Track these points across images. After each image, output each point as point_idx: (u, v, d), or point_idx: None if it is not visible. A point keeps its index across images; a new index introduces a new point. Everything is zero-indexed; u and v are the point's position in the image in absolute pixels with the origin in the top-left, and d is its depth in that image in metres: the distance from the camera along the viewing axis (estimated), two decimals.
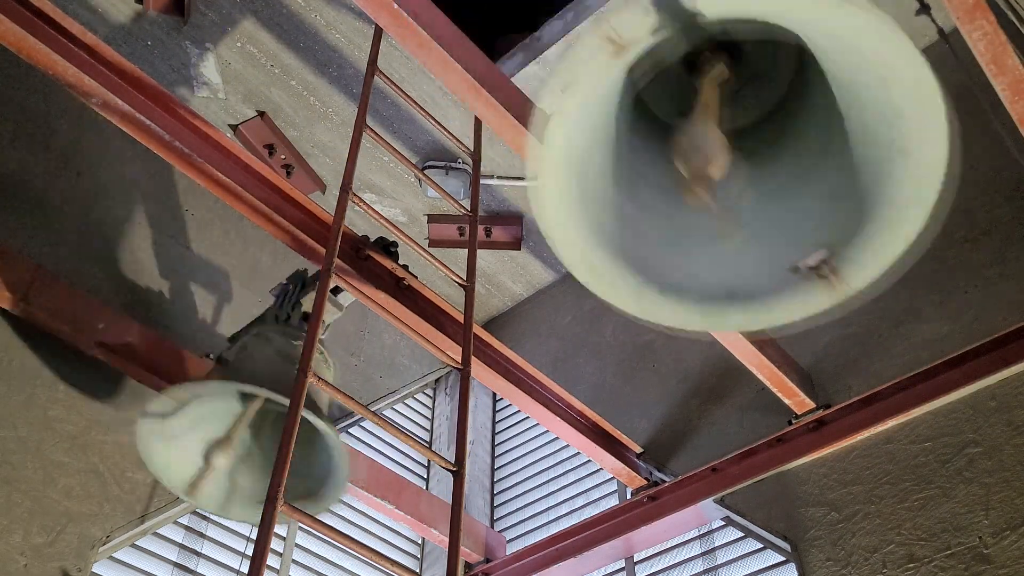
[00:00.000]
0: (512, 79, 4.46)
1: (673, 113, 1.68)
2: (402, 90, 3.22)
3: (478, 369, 3.56)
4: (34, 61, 2.67)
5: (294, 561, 4.06)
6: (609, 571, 4.28)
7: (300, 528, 4.16)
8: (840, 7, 1.33)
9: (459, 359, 2.71)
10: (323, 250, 3.06)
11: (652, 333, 4.79)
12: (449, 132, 3.43)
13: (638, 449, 4.28)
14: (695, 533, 4.02)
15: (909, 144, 1.42)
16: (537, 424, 4.99)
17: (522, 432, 5.31)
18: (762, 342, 3.42)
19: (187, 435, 2.88)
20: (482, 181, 5.08)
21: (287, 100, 4.76)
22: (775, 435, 3.69)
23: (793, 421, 3.69)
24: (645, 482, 4.14)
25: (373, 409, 4.86)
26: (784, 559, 3.57)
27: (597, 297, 1.62)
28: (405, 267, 3.29)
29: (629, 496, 4.21)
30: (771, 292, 1.53)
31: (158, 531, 3.57)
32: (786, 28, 1.41)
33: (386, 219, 2.84)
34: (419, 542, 4.88)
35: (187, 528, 3.70)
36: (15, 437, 3.21)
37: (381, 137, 2.97)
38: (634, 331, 4.92)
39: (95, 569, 3.28)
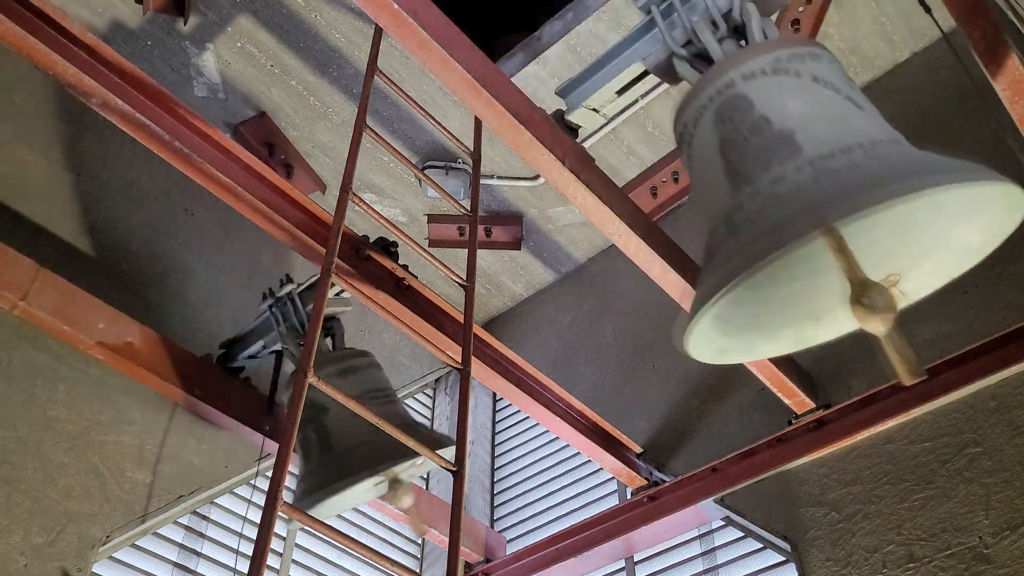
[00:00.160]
0: (512, 79, 4.46)
1: None
2: (402, 90, 3.22)
3: (478, 369, 3.56)
4: (34, 61, 2.67)
5: (294, 561, 4.06)
6: (609, 571, 4.28)
7: (300, 528, 4.16)
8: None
9: (459, 359, 2.71)
10: (323, 250, 3.06)
11: (652, 333, 4.79)
12: (449, 132, 3.43)
13: (638, 449, 4.28)
14: (695, 533, 4.02)
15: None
16: (537, 424, 4.99)
17: (522, 432, 5.31)
18: None
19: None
20: (482, 181, 5.08)
21: (287, 100, 4.76)
22: (775, 435, 3.69)
23: (793, 421, 3.69)
24: (645, 482, 4.14)
25: None
26: (784, 559, 3.57)
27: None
28: (405, 267, 3.29)
29: (629, 496, 4.21)
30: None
31: (158, 531, 3.57)
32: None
33: (386, 219, 2.84)
34: (419, 542, 4.88)
35: (187, 528, 3.70)
36: (15, 437, 3.21)
37: (381, 137, 2.97)
38: (634, 331, 4.92)
39: (95, 569, 3.28)
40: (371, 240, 3.30)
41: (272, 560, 3.96)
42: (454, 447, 2.77)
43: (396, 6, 2.25)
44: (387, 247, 3.32)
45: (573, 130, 2.75)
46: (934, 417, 3.32)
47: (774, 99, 1.90)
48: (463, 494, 2.32)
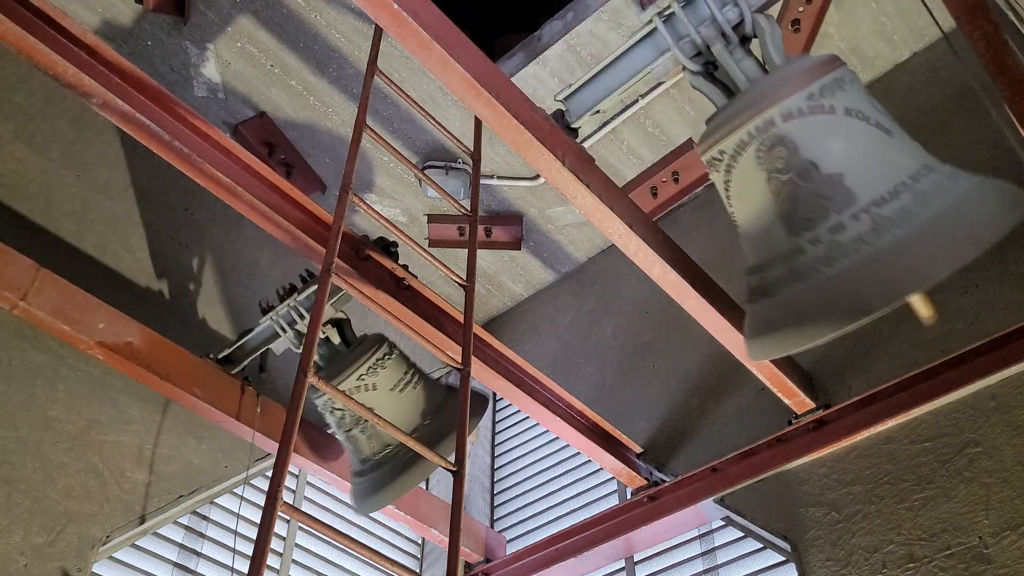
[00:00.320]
0: (512, 79, 4.46)
1: None
2: (402, 90, 3.22)
3: (478, 369, 3.56)
4: (34, 61, 2.67)
5: (294, 561, 4.06)
6: (609, 571, 4.28)
7: (300, 528, 4.16)
8: None
9: (459, 359, 2.71)
10: (323, 250, 3.06)
11: (652, 333, 4.79)
12: (449, 132, 3.43)
13: (638, 449, 4.28)
14: (695, 533, 4.02)
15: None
16: (537, 424, 4.99)
17: (522, 432, 5.31)
18: None
19: None
20: (482, 181, 5.08)
21: (287, 100, 4.76)
22: (775, 435, 3.69)
23: (793, 421, 3.69)
24: (645, 482, 4.14)
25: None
26: (784, 559, 3.57)
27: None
28: (405, 267, 3.29)
29: (629, 496, 4.21)
30: None
31: (158, 531, 3.57)
32: None
33: (386, 219, 2.84)
34: (419, 542, 4.88)
35: (187, 528, 3.71)
36: (15, 437, 3.21)
37: (381, 137, 2.97)
38: (634, 331, 4.92)
39: (95, 569, 3.28)
40: (371, 240, 3.30)
41: (272, 560, 3.96)
42: (454, 447, 2.77)
43: (396, 6, 2.25)
44: (387, 247, 3.32)
45: (573, 130, 2.76)
46: (934, 417, 3.32)
47: (817, 142, 2.07)
48: (463, 494, 2.32)
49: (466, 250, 3.16)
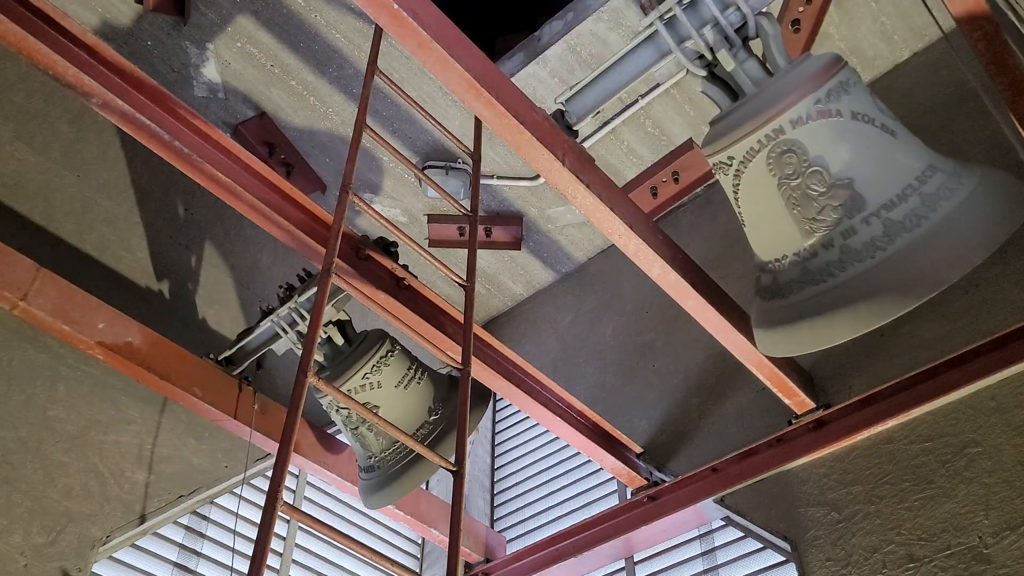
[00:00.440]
0: (512, 79, 4.46)
1: None
2: (402, 90, 3.22)
3: (478, 369, 3.56)
4: (34, 61, 2.67)
5: (294, 561, 4.06)
6: (609, 571, 4.28)
7: (300, 528, 4.16)
8: None
9: (459, 359, 2.71)
10: (323, 250, 3.06)
11: (652, 333, 4.79)
12: (449, 132, 3.43)
13: (638, 449, 4.28)
14: (695, 533, 4.02)
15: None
16: (537, 424, 4.99)
17: (522, 432, 5.31)
18: None
19: None
20: (482, 181, 5.08)
21: (287, 100, 4.76)
22: (775, 435, 3.69)
23: (793, 421, 3.69)
24: (645, 482, 4.14)
25: None
26: (784, 559, 3.57)
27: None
28: (405, 267, 3.29)
29: (629, 496, 4.21)
30: None
31: (158, 531, 3.57)
32: None
33: (386, 219, 2.84)
34: (419, 542, 4.88)
35: (187, 528, 3.71)
36: (15, 437, 3.21)
37: (381, 137, 2.97)
38: (634, 331, 4.92)
39: (95, 569, 3.28)
40: (371, 240, 3.30)
41: (272, 560, 3.96)
42: (454, 448, 2.78)
43: (396, 6, 2.25)
44: (387, 247, 3.32)
45: (573, 130, 2.76)
46: (934, 417, 3.32)
47: (826, 147, 2.13)
48: (463, 494, 2.32)
49: (466, 250, 3.15)
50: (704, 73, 2.42)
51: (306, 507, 4.35)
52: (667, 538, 4.06)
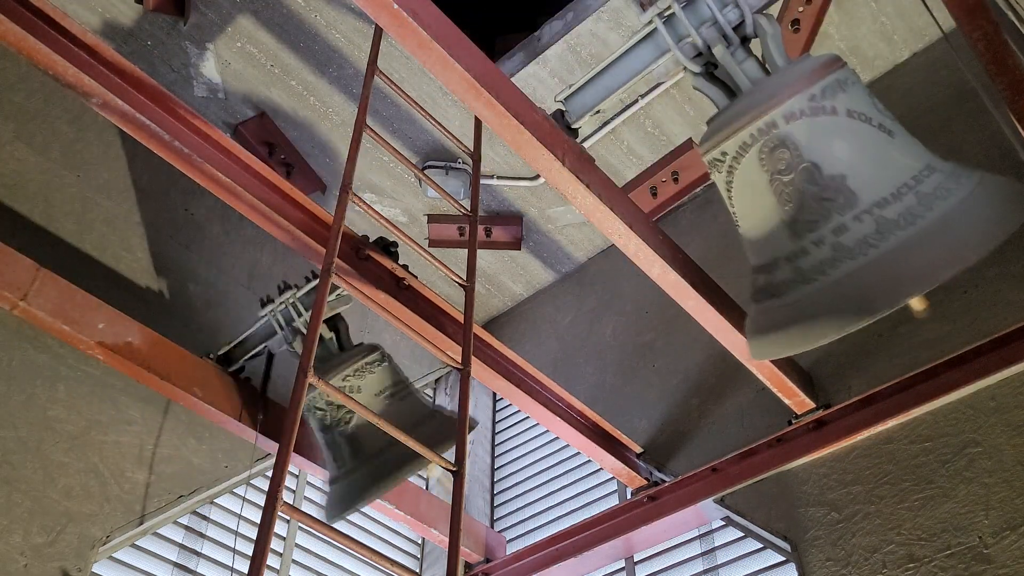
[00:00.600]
0: (512, 79, 4.46)
1: None
2: (402, 90, 3.23)
3: (478, 369, 3.56)
4: (34, 61, 2.67)
5: (294, 561, 4.06)
6: (609, 571, 4.28)
7: (300, 528, 4.16)
8: None
9: (459, 359, 2.71)
10: (323, 250, 3.06)
11: (652, 333, 4.79)
12: (449, 132, 3.43)
13: (638, 449, 4.28)
14: (695, 533, 4.02)
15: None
16: (537, 424, 4.99)
17: (522, 432, 5.31)
18: None
19: None
20: (482, 181, 5.08)
21: (287, 100, 4.76)
22: (775, 435, 3.69)
23: (793, 421, 3.69)
24: (645, 482, 4.14)
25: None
26: (784, 559, 3.57)
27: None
28: (405, 267, 3.29)
29: (629, 496, 4.21)
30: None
31: (158, 531, 3.57)
32: None
33: (386, 219, 2.84)
34: (419, 542, 4.88)
35: (187, 528, 3.71)
36: (15, 437, 3.21)
37: (381, 137, 2.97)
38: (634, 331, 4.92)
39: (95, 569, 3.28)
40: (371, 240, 3.30)
41: (272, 560, 3.96)
42: (454, 447, 2.77)
43: (396, 6, 2.25)
44: (387, 247, 3.32)
45: (573, 130, 2.76)
46: (934, 417, 3.32)
47: (819, 144, 2.08)
48: (463, 494, 2.32)
49: (466, 250, 3.15)
50: (700, 70, 2.41)
51: (306, 507, 4.35)
52: (667, 538, 4.06)
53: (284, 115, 4.83)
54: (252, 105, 4.77)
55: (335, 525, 3.43)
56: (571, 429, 3.91)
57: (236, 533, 3.84)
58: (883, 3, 4.39)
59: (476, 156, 3.43)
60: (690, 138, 4.87)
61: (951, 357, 3.30)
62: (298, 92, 4.72)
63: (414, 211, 5.37)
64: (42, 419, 3.32)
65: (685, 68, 2.45)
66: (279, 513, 1.92)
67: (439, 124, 3.39)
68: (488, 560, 4.49)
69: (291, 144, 4.93)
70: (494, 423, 5.56)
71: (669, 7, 2.42)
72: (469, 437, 5.10)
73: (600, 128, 4.78)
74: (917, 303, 2.11)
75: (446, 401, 5.61)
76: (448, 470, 2.36)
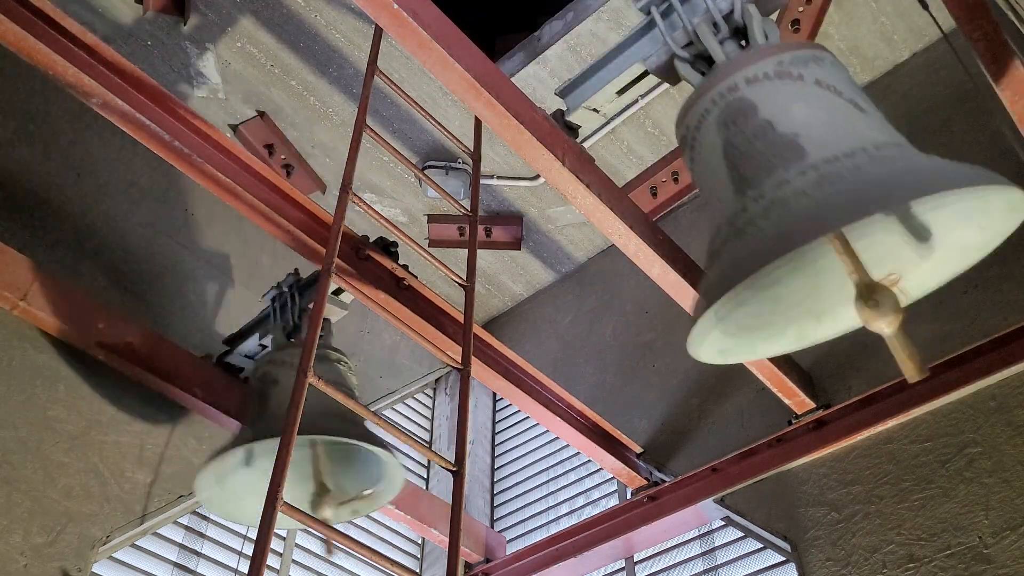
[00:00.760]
0: (512, 79, 4.46)
1: None
2: (402, 90, 3.23)
3: (478, 369, 3.56)
4: (34, 61, 2.67)
5: (294, 561, 4.06)
6: (609, 571, 4.28)
7: (300, 528, 4.16)
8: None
9: (459, 359, 2.71)
10: (323, 250, 3.06)
11: (652, 333, 4.79)
12: (449, 132, 3.43)
13: (638, 449, 4.28)
14: (695, 533, 4.02)
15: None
16: (537, 424, 4.99)
17: (522, 432, 5.31)
18: None
19: (257, 483, 2.97)
20: (482, 181, 5.08)
21: (287, 100, 4.76)
22: (775, 435, 3.69)
23: (793, 421, 3.69)
24: (645, 482, 4.14)
25: (373, 409, 4.86)
26: (784, 559, 3.57)
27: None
28: (405, 267, 3.29)
29: (629, 496, 4.21)
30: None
31: (158, 531, 3.57)
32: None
33: (386, 219, 2.84)
34: (419, 542, 4.88)
35: (187, 528, 3.70)
36: (15, 437, 3.21)
37: (381, 137, 2.97)
38: (634, 331, 4.92)
39: (95, 569, 3.28)
40: (371, 240, 3.30)
41: (272, 560, 3.96)
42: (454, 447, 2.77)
43: (396, 6, 2.25)
44: (387, 247, 3.32)
45: (573, 130, 2.76)
46: (934, 417, 3.32)
47: (778, 103, 1.92)
48: (463, 494, 2.32)
49: (466, 250, 3.15)
50: (688, 56, 2.38)
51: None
52: (667, 538, 4.06)
53: (284, 115, 4.83)
54: (252, 105, 4.77)
55: (335, 525, 3.40)
56: (571, 429, 3.91)
57: (236, 533, 3.83)
58: (883, 3, 4.39)
59: (476, 156, 3.44)
60: None
61: (951, 357, 3.30)
62: (298, 92, 4.72)
63: (414, 211, 5.37)
64: (42, 419, 3.32)
65: (675, 55, 2.42)
66: (279, 513, 1.92)
67: (439, 124, 3.39)
68: (488, 560, 4.49)
69: (291, 144, 4.94)
70: (494, 423, 5.56)
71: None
72: (469, 437, 5.10)
73: (600, 128, 4.78)
74: (911, 369, 1.87)
75: (446, 401, 5.61)
76: (448, 470, 2.36)
